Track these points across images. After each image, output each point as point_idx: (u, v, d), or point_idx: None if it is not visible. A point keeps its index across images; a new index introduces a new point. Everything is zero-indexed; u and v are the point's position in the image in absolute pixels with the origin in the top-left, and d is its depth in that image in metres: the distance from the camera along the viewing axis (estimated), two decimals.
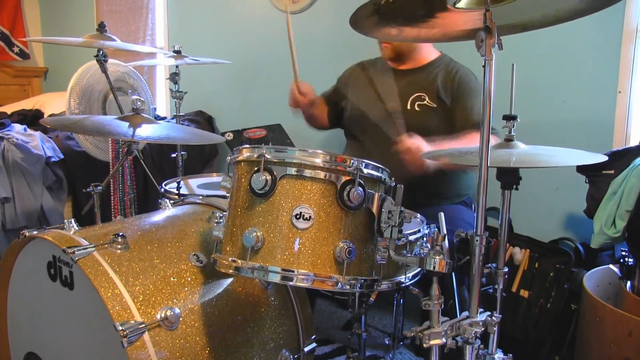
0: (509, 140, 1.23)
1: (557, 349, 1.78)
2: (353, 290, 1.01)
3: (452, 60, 1.94)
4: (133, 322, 0.98)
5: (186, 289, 1.11)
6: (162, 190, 1.95)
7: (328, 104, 2.11)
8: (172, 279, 1.11)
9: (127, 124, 1.48)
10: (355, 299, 1.44)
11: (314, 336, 1.31)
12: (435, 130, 1.81)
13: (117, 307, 0.98)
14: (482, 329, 1.04)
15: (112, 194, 2.22)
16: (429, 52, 1.96)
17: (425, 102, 1.84)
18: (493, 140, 1.23)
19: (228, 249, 1.02)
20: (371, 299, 1.44)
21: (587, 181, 1.81)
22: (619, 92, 1.97)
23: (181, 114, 2.38)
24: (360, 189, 0.96)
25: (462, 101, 1.82)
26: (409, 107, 1.85)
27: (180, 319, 1.06)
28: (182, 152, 2.35)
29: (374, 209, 1.00)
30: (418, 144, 1.56)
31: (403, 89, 1.89)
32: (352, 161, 0.97)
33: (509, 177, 1.18)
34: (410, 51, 1.91)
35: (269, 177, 0.96)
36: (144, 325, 0.98)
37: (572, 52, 2.07)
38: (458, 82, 1.85)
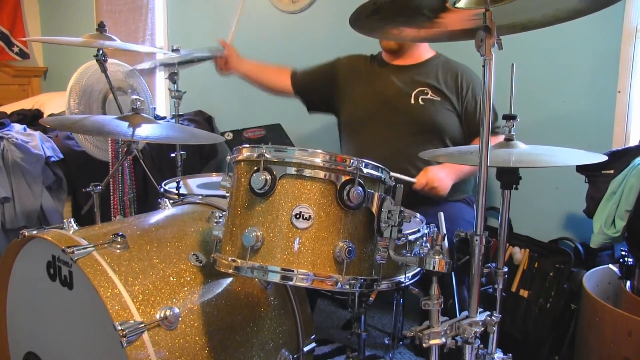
0: (508, 140, 1.23)
1: (556, 349, 1.78)
2: (353, 290, 1.01)
3: (448, 58, 1.98)
4: (132, 321, 0.98)
5: (185, 288, 1.11)
6: (162, 190, 1.95)
7: (307, 75, 2.17)
8: (171, 278, 1.11)
9: (127, 123, 1.48)
10: (354, 299, 1.44)
11: (313, 336, 1.31)
12: (442, 122, 1.85)
13: (117, 307, 0.98)
14: (482, 328, 1.04)
15: (111, 193, 2.21)
16: (425, 50, 1.99)
17: (428, 95, 1.87)
18: (500, 139, 1.25)
19: (228, 248, 1.01)
20: (371, 298, 1.44)
21: (586, 181, 1.81)
22: (619, 91, 1.96)
23: (180, 113, 2.38)
24: (360, 188, 0.96)
25: (475, 108, 1.86)
26: (413, 101, 1.87)
27: (180, 318, 1.06)
28: (182, 152, 2.34)
29: (374, 209, 1.00)
30: (437, 177, 1.67)
31: (405, 84, 1.91)
32: (352, 161, 0.97)
33: (509, 177, 1.18)
34: (411, 44, 1.94)
35: (268, 177, 0.96)
36: (143, 324, 0.98)
37: (572, 51, 2.06)
38: (461, 81, 1.88)
